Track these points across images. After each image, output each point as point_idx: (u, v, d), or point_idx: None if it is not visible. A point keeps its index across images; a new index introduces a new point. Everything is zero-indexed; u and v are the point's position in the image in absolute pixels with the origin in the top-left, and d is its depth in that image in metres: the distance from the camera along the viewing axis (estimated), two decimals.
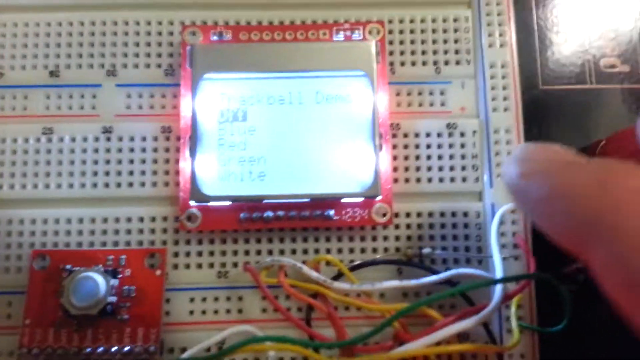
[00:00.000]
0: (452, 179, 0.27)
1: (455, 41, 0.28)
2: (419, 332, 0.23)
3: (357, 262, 0.26)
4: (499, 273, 0.24)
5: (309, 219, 0.26)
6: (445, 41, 0.28)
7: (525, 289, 0.25)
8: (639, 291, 0.15)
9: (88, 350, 0.24)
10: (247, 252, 0.26)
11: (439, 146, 0.27)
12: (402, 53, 0.28)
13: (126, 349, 0.24)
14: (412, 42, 0.28)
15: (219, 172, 0.26)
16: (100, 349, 0.24)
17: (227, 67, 0.26)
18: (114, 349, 0.24)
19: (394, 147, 0.27)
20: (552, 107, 0.28)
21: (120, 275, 0.25)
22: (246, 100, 0.26)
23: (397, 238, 0.26)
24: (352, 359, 0.23)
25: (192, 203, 0.26)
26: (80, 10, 0.28)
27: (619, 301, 0.15)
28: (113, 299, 0.25)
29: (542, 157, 0.18)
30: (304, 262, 0.25)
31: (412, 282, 0.25)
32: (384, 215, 0.26)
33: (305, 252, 0.26)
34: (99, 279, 0.24)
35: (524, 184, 0.18)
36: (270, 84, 0.26)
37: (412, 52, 0.28)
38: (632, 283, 0.15)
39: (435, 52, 0.28)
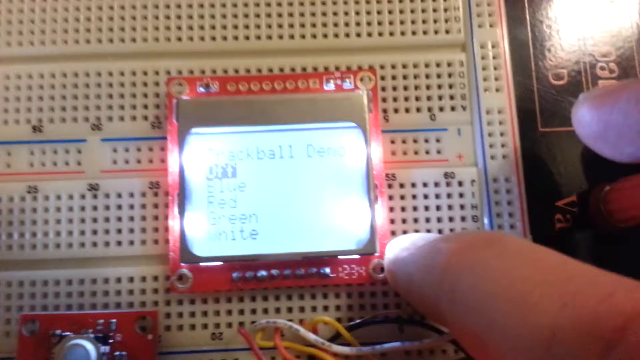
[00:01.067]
0: (452, 230, 0.27)
1: (450, 86, 0.28)
2: None
3: (356, 321, 0.26)
4: None
5: (304, 277, 0.26)
6: (439, 87, 0.28)
7: None
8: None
9: None
10: (241, 312, 0.26)
11: (437, 196, 0.27)
12: (395, 100, 0.28)
13: None
14: (406, 88, 0.28)
15: (209, 231, 0.26)
16: None
17: (215, 122, 0.26)
18: None
19: (390, 197, 0.27)
20: (552, 150, 0.28)
21: (111, 341, 0.25)
22: (235, 155, 0.26)
23: (397, 294, 0.26)
24: None
25: (183, 264, 0.26)
26: (63, 61, 0.29)
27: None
28: None
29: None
30: (301, 322, 0.26)
31: (415, 343, 0.25)
32: (382, 270, 0.26)
33: (302, 310, 0.26)
34: (90, 347, 0.24)
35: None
36: (259, 138, 0.26)
37: (406, 99, 0.28)
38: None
39: (429, 98, 0.28)
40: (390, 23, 0.29)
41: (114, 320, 0.26)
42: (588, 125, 0.23)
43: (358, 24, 0.29)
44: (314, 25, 0.29)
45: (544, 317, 0.15)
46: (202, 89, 0.27)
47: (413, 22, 0.29)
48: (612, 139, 0.22)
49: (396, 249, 0.24)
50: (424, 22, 0.29)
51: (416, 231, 0.27)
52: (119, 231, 0.27)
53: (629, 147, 0.22)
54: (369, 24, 0.29)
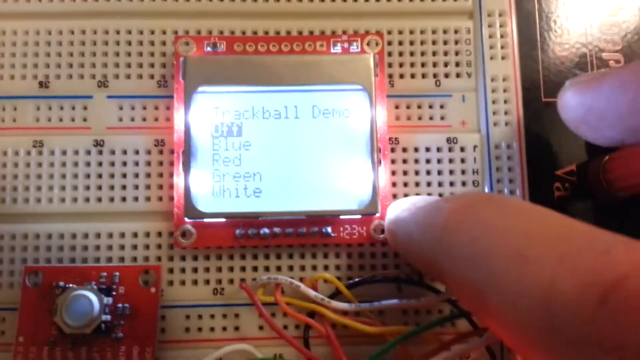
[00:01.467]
0: (453, 195, 0.28)
1: (456, 53, 0.29)
2: (421, 355, 0.24)
3: (355, 280, 0.27)
4: None
5: (306, 235, 0.26)
6: (445, 53, 0.29)
7: None
8: None
9: None
10: (243, 269, 0.27)
11: (439, 161, 0.28)
12: (401, 65, 0.29)
13: None
14: (412, 54, 0.29)
15: (213, 188, 0.26)
16: None
17: (221, 81, 0.27)
18: None
19: (393, 161, 0.28)
20: (554, 120, 0.29)
21: (114, 293, 0.26)
22: (241, 114, 0.27)
23: (397, 254, 0.27)
24: None
25: (187, 219, 0.26)
26: (70, 19, 0.29)
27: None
28: (107, 317, 0.25)
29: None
30: (301, 280, 0.26)
31: (412, 302, 0.25)
32: (383, 232, 0.26)
33: (302, 268, 0.27)
34: (93, 298, 0.25)
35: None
36: (265, 98, 0.27)
37: (412, 65, 0.29)
38: None
39: (435, 65, 0.29)
40: None
41: (117, 274, 0.26)
42: (572, 110, 0.24)
43: None
44: None
45: (543, 270, 0.16)
46: (209, 49, 0.28)
47: None
48: (593, 123, 0.23)
49: (397, 209, 0.25)
50: None
51: (417, 194, 0.28)
52: (124, 187, 0.28)
53: (609, 131, 0.23)
54: None
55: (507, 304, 0.17)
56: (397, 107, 0.28)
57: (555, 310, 0.15)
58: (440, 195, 0.28)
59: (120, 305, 0.26)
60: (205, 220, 0.26)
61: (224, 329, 0.27)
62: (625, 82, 0.22)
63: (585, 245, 0.16)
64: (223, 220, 0.26)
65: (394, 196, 0.27)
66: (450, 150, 0.28)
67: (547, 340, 0.16)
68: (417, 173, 0.28)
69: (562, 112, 0.25)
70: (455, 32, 0.29)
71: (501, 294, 0.17)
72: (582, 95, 0.23)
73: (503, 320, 0.17)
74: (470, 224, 0.19)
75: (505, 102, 0.28)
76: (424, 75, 0.29)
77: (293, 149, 0.27)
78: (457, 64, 0.29)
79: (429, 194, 0.28)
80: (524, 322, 0.16)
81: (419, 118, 0.28)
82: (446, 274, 0.20)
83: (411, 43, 0.29)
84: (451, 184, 0.28)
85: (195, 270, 0.27)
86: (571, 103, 0.24)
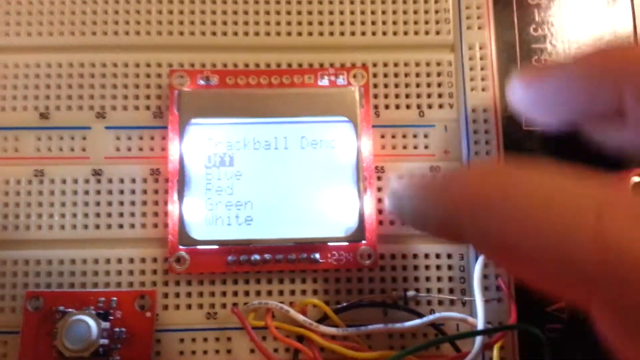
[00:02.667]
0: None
1: (439, 85, 0.31)
2: None
3: (343, 304, 0.29)
4: (481, 316, 0.27)
5: (295, 261, 0.29)
6: (428, 85, 0.31)
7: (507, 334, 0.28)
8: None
9: None
10: (235, 293, 0.29)
11: None
12: (386, 96, 0.31)
13: None
14: (396, 85, 0.31)
15: (206, 216, 0.29)
16: None
17: (214, 113, 0.29)
18: None
19: (379, 189, 0.30)
20: (535, 149, 0.31)
21: (111, 317, 0.28)
22: (233, 145, 0.29)
23: (383, 279, 0.29)
24: None
25: (181, 247, 0.28)
26: (69, 52, 0.31)
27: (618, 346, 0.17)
28: (105, 341, 0.27)
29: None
30: (291, 304, 0.28)
31: (397, 326, 0.27)
32: (369, 257, 0.29)
33: (292, 293, 0.29)
34: (91, 322, 0.27)
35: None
36: (256, 129, 0.29)
37: (396, 96, 0.31)
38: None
39: (418, 96, 0.31)
40: (383, 23, 0.31)
41: (114, 298, 0.28)
42: (519, 99, 0.27)
43: (352, 22, 0.31)
44: (310, 23, 0.31)
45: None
46: (202, 82, 0.30)
47: (405, 22, 0.31)
48: (540, 112, 0.26)
49: (398, 191, 0.24)
50: (415, 22, 0.31)
51: (402, 222, 0.30)
52: (121, 214, 0.30)
53: (556, 119, 0.26)
54: (362, 23, 0.31)
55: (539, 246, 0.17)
56: (382, 137, 0.31)
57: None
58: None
59: (117, 329, 0.28)
60: (199, 247, 0.28)
61: (217, 352, 0.29)
62: (571, 78, 0.24)
63: None
64: (216, 247, 0.28)
65: (380, 223, 0.30)
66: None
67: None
68: None
69: (510, 98, 0.27)
70: (438, 64, 0.31)
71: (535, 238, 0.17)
72: (527, 88, 0.26)
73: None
74: (496, 182, 0.19)
75: (486, 132, 0.30)
76: (408, 106, 0.31)
77: (283, 179, 0.29)
78: (440, 95, 0.31)
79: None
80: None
81: (404, 147, 0.31)
82: (467, 231, 0.20)
83: (395, 75, 0.31)
84: None
85: (189, 295, 0.29)
86: (517, 94, 0.27)
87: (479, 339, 0.26)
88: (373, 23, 0.31)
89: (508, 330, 0.27)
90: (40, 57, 0.31)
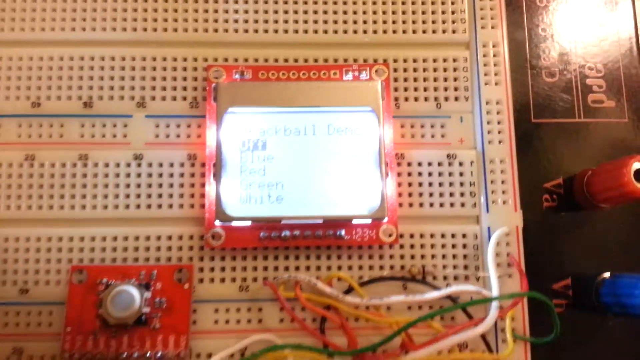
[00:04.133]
0: (452, 204, 0.33)
1: (455, 79, 0.35)
2: (424, 342, 0.30)
3: (366, 279, 0.32)
4: (494, 290, 0.31)
5: (322, 238, 0.32)
6: (445, 79, 0.35)
7: (518, 305, 0.31)
8: None
9: (124, 355, 0.31)
10: (265, 268, 0.33)
11: (440, 174, 0.34)
12: (405, 90, 0.35)
13: (159, 354, 0.31)
14: (415, 80, 0.35)
15: (240, 195, 0.32)
16: (136, 354, 0.30)
17: (249, 102, 0.33)
18: (148, 354, 0.30)
19: (399, 174, 0.34)
20: (543, 139, 0.35)
21: (152, 289, 0.32)
22: (265, 132, 0.33)
23: (402, 257, 0.33)
24: None
25: (217, 223, 0.32)
26: (112, 47, 0.35)
27: None
28: (146, 309, 0.31)
29: None
30: (317, 278, 0.32)
31: (417, 297, 0.31)
32: (390, 235, 0.32)
33: (318, 268, 0.33)
34: (135, 292, 0.31)
35: None
36: (287, 118, 0.33)
37: (415, 89, 0.35)
38: None
39: (436, 89, 0.35)
40: (403, 22, 0.35)
41: (154, 272, 0.32)
42: None
43: (375, 22, 0.35)
44: (335, 21, 0.35)
45: None
46: (237, 76, 0.34)
47: (424, 22, 0.35)
48: None
49: None
50: (433, 22, 0.35)
51: (421, 204, 0.33)
52: (160, 196, 0.33)
53: None
54: (384, 22, 0.35)
55: None
56: (402, 127, 0.34)
57: None
58: (441, 204, 0.33)
59: (157, 299, 0.31)
60: (233, 223, 0.32)
61: (249, 321, 0.32)
62: None
63: None
64: (249, 224, 0.32)
65: (400, 204, 0.33)
66: (450, 164, 0.34)
67: None
68: (420, 184, 0.34)
69: None
70: (454, 60, 0.35)
71: None
72: None
73: None
74: None
75: (498, 122, 0.34)
76: (426, 99, 0.35)
77: (311, 162, 0.32)
78: (456, 89, 0.35)
79: (431, 204, 0.33)
80: None
81: (422, 136, 0.34)
82: None
83: (414, 70, 0.35)
84: (451, 194, 0.34)
85: (223, 269, 0.33)
86: None
87: (494, 307, 0.30)
88: (394, 22, 0.35)
89: (520, 297, 0.30)
90: (85, 51, 0.35)
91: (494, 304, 0.30)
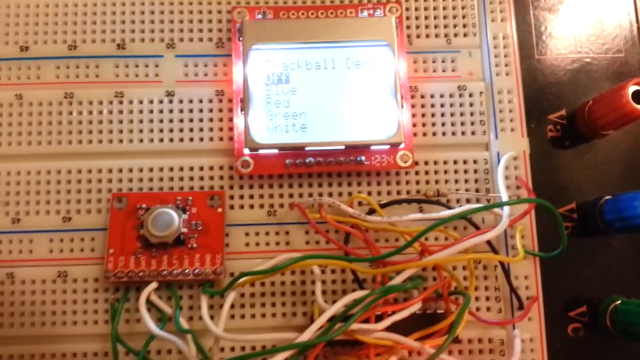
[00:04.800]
0: (463, 133, 0.37)
1: (463, 17, 0.38)
2: (439, 248, 0.33)
3: (385, 202, 0.35)
4: (505, 209, 0.34)
5: (343, 164, 0.35)
6: (454, 17, 0.38)
7: (528, 222, 0.35)
8: None
9: (164, 272, 0.34)
10: (291, 195, 0.36)
11: (451, 105, 0.37)
12: (417, 27, 0.38)
13: (197, 270, 0.34)
14: (426, 17, 0.38)
15: (267, 125, 0.35)
16: (176, 271, 0.34)
17: (272, 39, 0.36)
18: (187, 270, 0.34)
19: (413, 106, 0.37)
20: (547, 73, 0.38)
21: (188, 213, 0.35)
22: (288, 66, 0.36)
23: (418, 182, 0.36)
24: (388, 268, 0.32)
25: (246, 151, 0.35)
26: None
27: None
28: (184, 229, 0.34)
29: None
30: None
31: (433, 214, 0.34)
32: (406, 161, 0.35)
33: (340, 194, 0.36)
34: (174, 214, 0.34)
35: None
36: (308, 53, 0.36)
37: (426, 26, 0.38)
38: None
39: (446, 26, 0.38)
40: None
41: (190, 197, 0.35)
42: None
43: None
44: None
45: None
46: (259, 16, 0.37)
47: None
48: None
49: None
50: None
51: (434, 133, 0.36)
52: (191, 130, 0.36)
53: None
54: None
55: None
56: (415, 62, 0.37)
57: None
58: (453, 133, 0.37)
59: (193, 221, 0.34)
60: (261, 151, 0.35)
61: (277, 243, 0.35)
62: None
63: None
64: (275, 151, 0.35)
65: (415, 134, 0.36)
66: (460, 96, 0.37)
67: None
68: (433, 115, 0.37)
69: None
70: None
71: None
72: None
73: None
74: None
75: (505, 56, 0.37)
76: (436, 35, 0.38)
77: (331, 93, 0.35)
78: (464, 26, 0.38)
79: (444, 133, 0.36)
80: None
81: (434, 70, 0.37)
82: None
83: (425, 8, 0.38)
84: (462, 123, 0.37)
85: (251, 196, 0.36)
86: None
87: (505, 214, 0.33)
88: None
89: (528, 202, 0.33)
90: None
91: (505, 213, 0.33)
